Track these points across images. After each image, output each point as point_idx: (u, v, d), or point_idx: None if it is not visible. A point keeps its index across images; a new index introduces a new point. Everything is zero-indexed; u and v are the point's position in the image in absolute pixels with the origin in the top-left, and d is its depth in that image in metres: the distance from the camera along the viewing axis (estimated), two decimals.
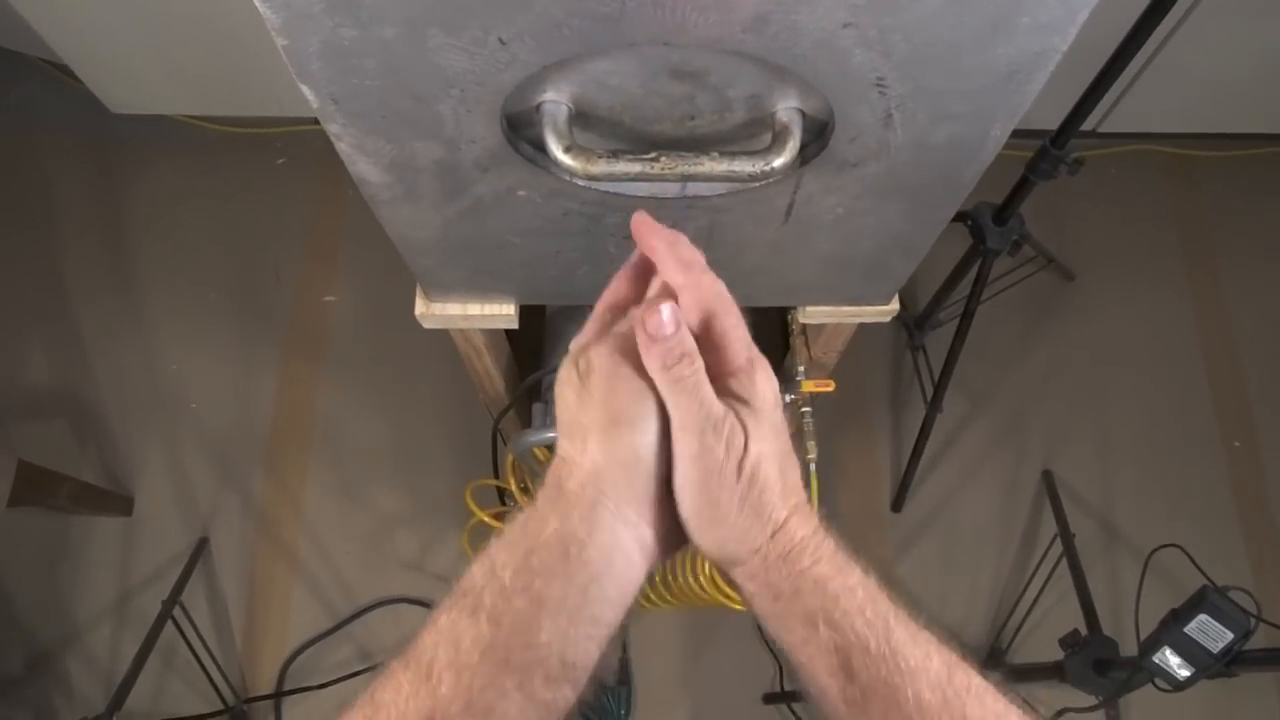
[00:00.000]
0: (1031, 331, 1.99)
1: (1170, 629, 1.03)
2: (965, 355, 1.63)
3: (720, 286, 0.46)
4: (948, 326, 1.75)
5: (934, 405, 1.70)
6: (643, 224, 0.48)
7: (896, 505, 1.83)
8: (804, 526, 0.44)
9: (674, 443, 0.43)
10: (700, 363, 0.43)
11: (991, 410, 1.92)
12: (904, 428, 1.90)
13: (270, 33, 0.55)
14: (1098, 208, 2.06)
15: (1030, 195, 1.41)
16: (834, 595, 0.43)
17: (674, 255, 0.46)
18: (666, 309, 0.43)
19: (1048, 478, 1.85)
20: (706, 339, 0.45)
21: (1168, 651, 1.04)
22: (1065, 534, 1.65)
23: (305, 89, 0.60)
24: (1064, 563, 1.63)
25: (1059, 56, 0.57)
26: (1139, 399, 1.94)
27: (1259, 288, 2.03)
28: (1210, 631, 1.01)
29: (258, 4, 0.52)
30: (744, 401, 0.44)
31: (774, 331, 1.58)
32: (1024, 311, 1.97)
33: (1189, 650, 1.02)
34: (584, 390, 0.45)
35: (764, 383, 0.45)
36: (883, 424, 1.92)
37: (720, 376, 0.45)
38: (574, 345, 0.48)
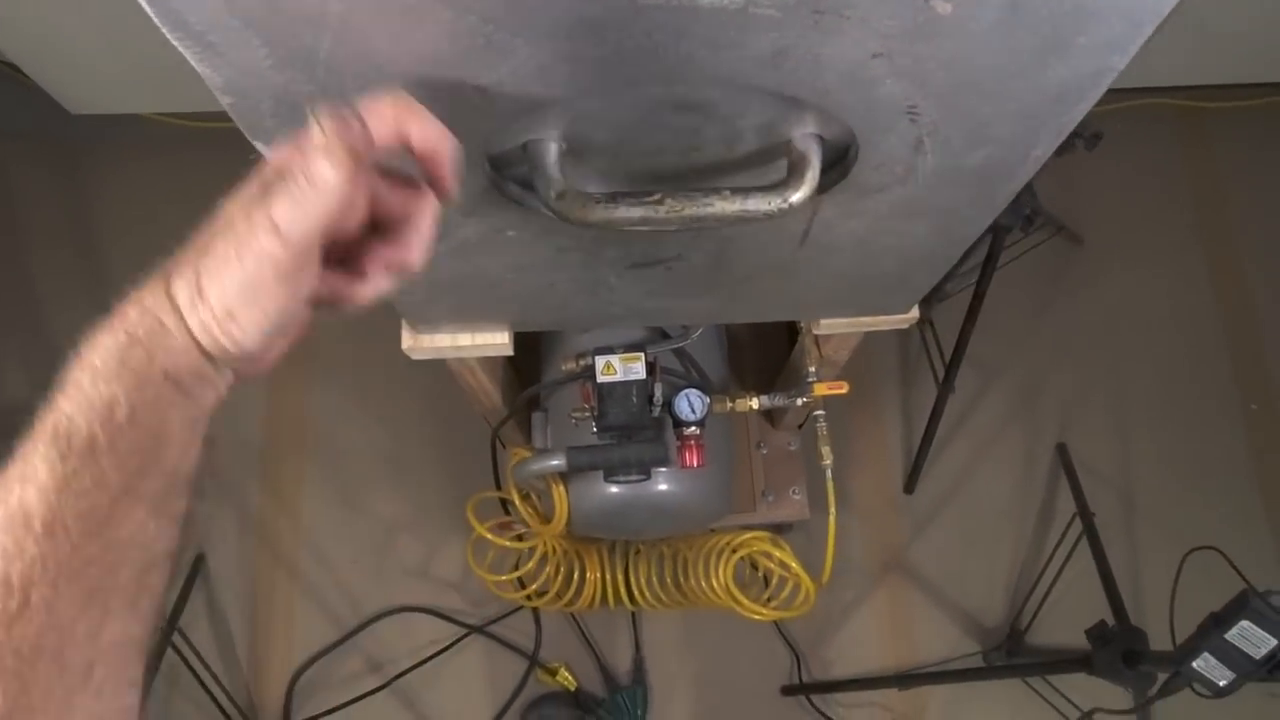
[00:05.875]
0: (1041, 301, 1.92)
1: (1210, 635, 0.99)
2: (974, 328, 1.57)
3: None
4: (956, 298, 1.69)
5: (946, 386, 1.64)
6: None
7: (909, 487, 1.78)
8: None
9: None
10: None
11: (1002, 384, 1.86)
12: (914, 406, 1.84)
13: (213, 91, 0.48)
14: (1105, 166, 1.97)
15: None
16: None
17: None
18: None
19: (1062, 451, 1.80)
20: None
21: (1208, 657, 1.00)
22: (1085, 513, 1.61)
23: (260, 145, 0.53)
24: (1083, 540, 1.59)
25: (1115, 75, 0.51)
26: (1154, 365, 1.88)
27: (1276, 243, 1.96)
28: (1252, 637, 0.97)
29: (195, 65, 0.45)
30: None
31: (778, 326, 1.52)
32: (1032, 280, 1.90)
33: (1229, 656, 0.98)
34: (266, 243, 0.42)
35: None
36: (892, 403, 1.86)
37: None
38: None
